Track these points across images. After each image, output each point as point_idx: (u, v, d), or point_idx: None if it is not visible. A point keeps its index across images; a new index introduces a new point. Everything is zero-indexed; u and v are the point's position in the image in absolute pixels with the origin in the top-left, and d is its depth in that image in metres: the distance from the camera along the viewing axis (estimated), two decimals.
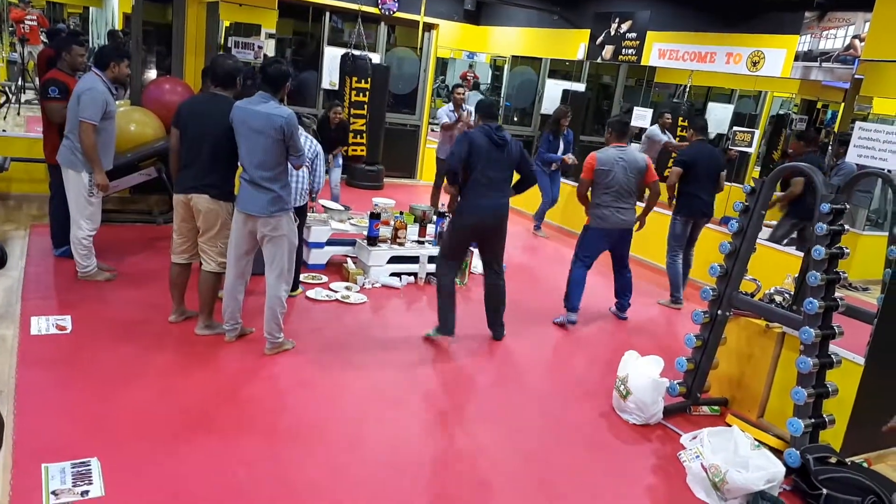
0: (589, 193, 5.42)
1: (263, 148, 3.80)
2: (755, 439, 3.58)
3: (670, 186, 6.06)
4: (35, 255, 5.30)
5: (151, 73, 9.71)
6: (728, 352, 4.35)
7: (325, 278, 5.70)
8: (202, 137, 3.99)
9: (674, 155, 8.96)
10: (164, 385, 3.67)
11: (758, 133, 8.42)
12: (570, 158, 8.14)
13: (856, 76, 6.08)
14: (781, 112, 10.93)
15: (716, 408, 4.33)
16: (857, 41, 6.20)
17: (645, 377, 3.95)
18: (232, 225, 4.03)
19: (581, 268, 5.43)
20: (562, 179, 8.62)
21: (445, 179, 4.62)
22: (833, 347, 3.70)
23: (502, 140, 4.53)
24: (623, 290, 5.72)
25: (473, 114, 5.00)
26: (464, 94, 7.80)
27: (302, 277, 5.62)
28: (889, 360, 3.82)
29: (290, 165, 3.98)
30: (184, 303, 4.43)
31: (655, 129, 8.76)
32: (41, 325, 4.13)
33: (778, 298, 4.25)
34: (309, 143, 4.91)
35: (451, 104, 7.82)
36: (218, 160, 4.02)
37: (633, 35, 8.44)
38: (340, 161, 7.91)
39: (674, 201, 6.17)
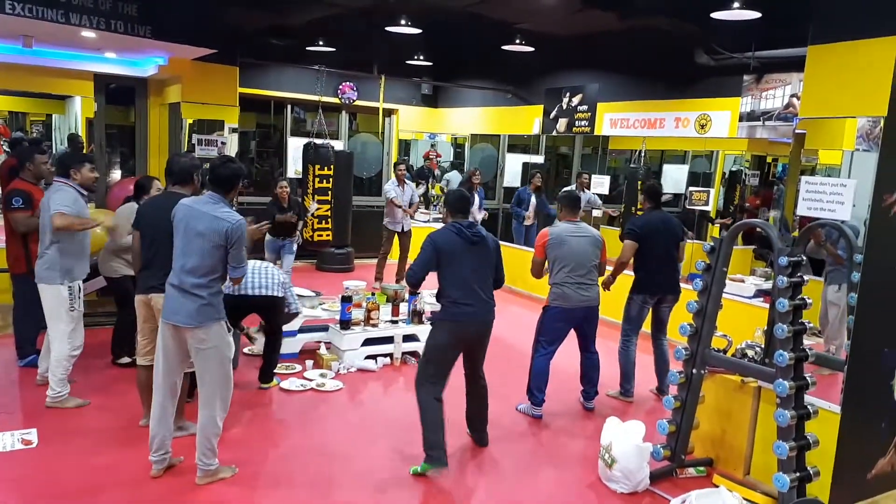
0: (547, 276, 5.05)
1: (200, 252, 3.47)
2: (744, 498, 3.55)
3: (623, 263, 5.33)
4: None
5: (116, 175, 9.77)
6: (707, 410, 4.36)
7: (298, 367, 5.63)
8: (160, 237, 3.87)
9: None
10: (133, 495, 3.54)
11: (713, 191, 8.69)
12: (482, 214, 9.18)
13: (797, 132, 6.37)
14: (734, 168, 11.33)
15: (702, 468, 4.29)
16: (794, 99, 6.54)
17: (628, 444, 3.92)
18: (158, 337, 3.67)
19: (543, 356, 4.93)
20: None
21: (410, 287, 4.21)
22: (808, 398, 3.73)
23: (476, 236, 4.02)
24: (588, 373, 5.15)
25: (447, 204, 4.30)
26: (404, 170, 8.80)
27: (277, 367, 5.55)
28: (864, 406, 3.86)
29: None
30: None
31: (572, 189, 9.12)
32: (6, 440, 3.98)
33: (750, 353, 4.30)
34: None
35: (394, 179, 8.73)
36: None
37: (585, 107, 8.78)
38: (294, 246, 7.73)
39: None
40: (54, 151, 13.19)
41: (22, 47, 6.19)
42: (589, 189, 9.31)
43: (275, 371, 5.29)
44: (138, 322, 4.14)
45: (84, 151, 8.46)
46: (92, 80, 7.97)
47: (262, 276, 4.99)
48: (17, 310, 5.11)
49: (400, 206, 8.53)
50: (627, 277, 5.42)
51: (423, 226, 9.96)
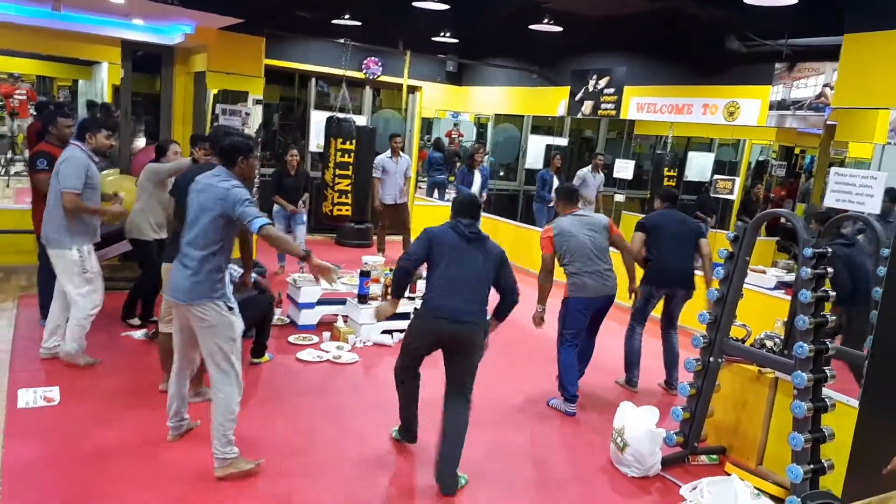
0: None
1: (203, 225, 3.38)
2: (755, 488, 3.54)
3: (633, 255, 5.20)
4: (23, 327, 5.26)
5: (140, 142, 9.84)
6: (723, 399, 4.34)
7: (315, 339, 5.68)
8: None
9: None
10: (152, 456, 3.61)
11: (738, 180, 8.58)
12: (484, 194, 9.14)
13: (828, 123, 6.25)
14: (761, 158, 11.17)
15: (714, 457, 4.28)
16: (827, 89, 6.41)
17: (641, 428, 3.92)
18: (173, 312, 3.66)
19: (569, 349, 4.85)
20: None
21: (392, 292, 3.93)
22: (826, 391, 3.70)
23: (473, 234, 3.73)
24: (582, 357, 5.07)
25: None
26: (400, 142, 8.80)
27: (293, 339, 5.60)
28: (883, 402, 3.82)
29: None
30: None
31: (587, 171, 9.26)
32: (28, 397, 4.07)
33: (769, 343, 4.26)
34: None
35: (389, 151, 8.71)
36: None
37: (612, 90, 8.68)
38: (304, 217, 7.72)
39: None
40: (78, 116, 13.32)
41: (51, 11, 6.21)
42: (603, 171, 9.41)
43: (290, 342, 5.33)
44: (164, 289, 4.11)
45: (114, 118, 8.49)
46: (119, 47, 7.99)
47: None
48: (42, 270, 5.18)
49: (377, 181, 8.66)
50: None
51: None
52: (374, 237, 9.98)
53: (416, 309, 3.91)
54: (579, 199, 5.27)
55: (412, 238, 9.25)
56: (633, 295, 5.27)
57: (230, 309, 3.48)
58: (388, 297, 3.85)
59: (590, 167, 9.45)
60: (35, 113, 11.31)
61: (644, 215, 5.62)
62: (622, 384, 5.43)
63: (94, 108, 10.20)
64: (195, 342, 3.52)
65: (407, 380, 3.90)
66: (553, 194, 8.65)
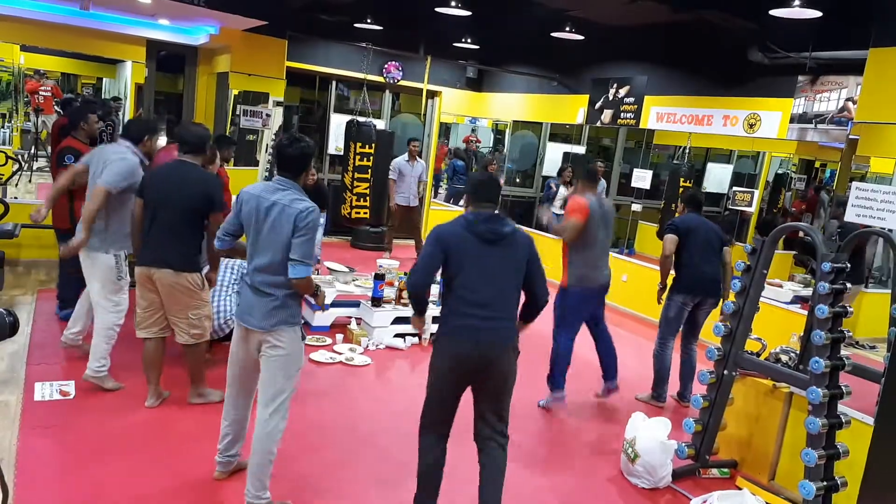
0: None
1: (272, 246, 3.05)
2: (767, 503, 3.50)
3: (667, 258, 5.04)
4: (41, 320, 5.33)
5: (162, 141, 9.94)
6: (736, 412, 4.30)
7: (329, 340, 5.70)
8: (164, 206, 3.80)
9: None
10: (162, 453, 3.64)
11: (757, 193, 8.52)
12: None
13: (851, 137, 6.19)
14: (780, 171, 11.07)
15: (725, 470, 4.25)
16: (850, 103, 6.35)
17: (653, 439, 3.90)
18: (232, 338, 3.30)
19: (568, 339, 4.77)
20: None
21: (413, 309, 3.36)
22: (841, 407, 3.66)
23: (494, 234, 3.06)
24: (605, 359, 5.06)
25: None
26: (418, 146, 9.06)
27: (306, 340, 5.63)
28: None
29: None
30: (159, 383, 4.13)
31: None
32: (45, 390, 4.12)
33: (784, 358, 4.23)
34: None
35: (406, 154, 8.98)
36: (181, 231, 3.82)
37: (632, 100, 8.65)
38: (322, 220, 7.84)
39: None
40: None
41: (79, 10, 6.32)
42: (603, 179, 9.55)
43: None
44: (136, 293, 3.99)
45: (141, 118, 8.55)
46: (144, 46, 8.10)
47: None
48: (64, 263, 5.17)
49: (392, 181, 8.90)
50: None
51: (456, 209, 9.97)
52: (393, 242, 10.05)
53: (432, 335, 3.30)
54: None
55: (421, 239, 9.44)
56: (660, 296, 5.15)
57: (302, 337, 3.29)
58: (417, 320, 3.37)
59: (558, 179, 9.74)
60: (59, 110, 11.48)
61: (671, 219, 5.36)
62: (645, 400, 5.23)
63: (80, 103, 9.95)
64: (257, 369, 3.21)
65: (430, 442, 3.16)
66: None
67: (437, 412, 3.15)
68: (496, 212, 3.15)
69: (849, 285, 3.69)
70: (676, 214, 5.46)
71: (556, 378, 4.85)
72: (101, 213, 4.09)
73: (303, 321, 3.35)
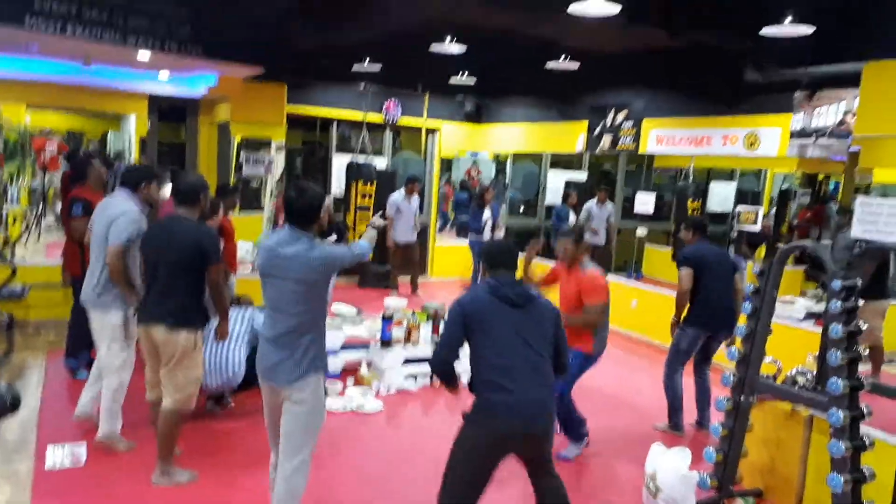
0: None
1: (293, 299, 3.09)
2: None
3: (684, 294, 4.98)
4: (52, 382, 5.31)
5: (167, 191, 10.03)
6: (756, 439, 4.21)
7: (340, 385, 5.63)
8: (158, 262, 3.75)
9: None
10: None
11: (762, 210, 8.48)
12: (499, 225, 9.46)
13: (852, 150, 6.17)
14: (784, 187, 11.05)
15: (750, 499, 4.14)
16: (848, 116, 6.34)
17: (673, 472, 3.82)
18: (263, 397, 3.33)
19: (569, 393, 4.54)
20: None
21: (444, 385, 3.21)
22: (864, 428, 3.58)
23: (520, 297, 2.99)
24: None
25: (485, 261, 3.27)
26: (418, 187, 9.14)
27: None
28: None
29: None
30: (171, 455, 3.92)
31: (592, 203, 9.75)
32: (56, 456, 4.02)
33: (801, 380, 4.15)
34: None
35: (403, 190, 9.03)
36: (175, 286, 3.73)
37: (630, 124, 8.68)
38: None
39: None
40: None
41: (82, 66, 6.42)
42: (607, 202, 9.78)
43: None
44: (144, 353, 3.94)
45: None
46: (146, 101, 8.22)
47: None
48: (74, 309, 5.05)
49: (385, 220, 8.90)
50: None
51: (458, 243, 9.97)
52: (398, 279, 10.05)
53: (465, 414, 3.03)
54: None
55: (419, 275, 9.47)
56: (674, 331, 5.10)
57: (325, 392, 3.28)
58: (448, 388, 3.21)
59: (594, 200, 9.75)
60: (67, 161, 11.62)
61: (683, 249, 5.29)
62: (664, 429, 5.15)
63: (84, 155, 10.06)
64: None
65: None
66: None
67: (465, 492, 2.97)
68: (517, 278, 3.09)
69: (866, 302, 3.63)
70: (684, 240, 5.40)
71: (577, 429, 4.64)
72: (106, 268, 4.07)
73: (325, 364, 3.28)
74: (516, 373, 2.88)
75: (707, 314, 4.98)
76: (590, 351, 4.46)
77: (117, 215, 4.09)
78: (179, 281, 3.74)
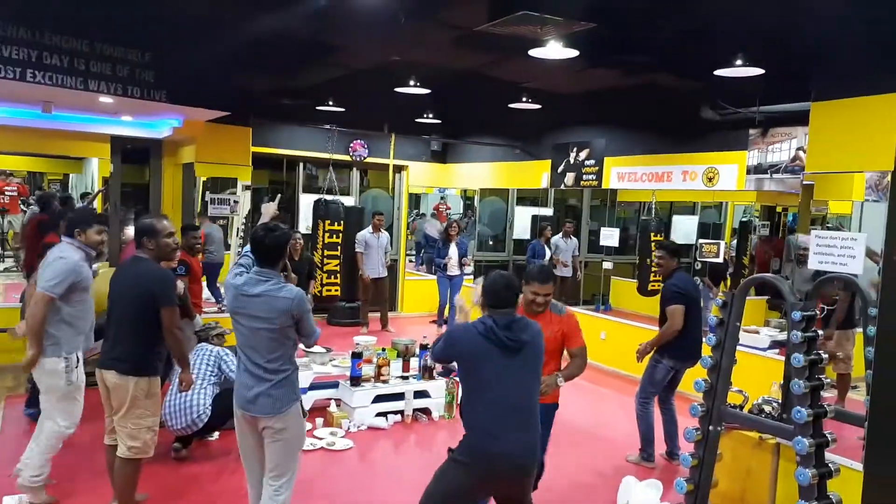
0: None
1: (266, 339, 3.15)
2: None
3: (675, 332, 4.95)
4: (8, 430, 5.14)
5: (130, 232, 9.88)
6: (726, 468, 4.26)
7: (309, 425, 5.56)
8: (113, 306, 3.69)
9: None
10: None
11: (723, 243, 8.69)
12: (467, 261, 9.57)
13: (805, 183, 6.39)
14: (744, 219, 11.33)
15: None
16: (801, 152, 6.59)
17: None
18: (237, 429, 3.35)
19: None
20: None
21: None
22: (830, 455, 3.65)
23: (514, 340, 2.91)
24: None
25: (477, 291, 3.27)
26: (382, 219, 9.28)
27: None
28: (888, 463, 3.77)
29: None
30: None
31: (559, 238, 10.00)
32: None
33: (767, 408, 4.23)
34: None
35: (371, 227, 9.24)
36: (126, 331, 3.64)
37: (592, 161, 8.88)
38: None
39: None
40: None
41: (41, 113, 6.37)
42: (574, 237, 10.06)
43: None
44: (101, 396, 3.79)
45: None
46: (108, 143, 8.15)
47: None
48: None
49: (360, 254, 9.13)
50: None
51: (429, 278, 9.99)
52: (368, 316, 10.01)
53: (450, 450, 3.00)
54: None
55: (387, 310, 9.46)
56: (640, 358, 5.12)
57: (304, 413, 3.33)
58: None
59: (561, 234, 9.99)
60: (36, 207, 11.37)
61: (672, 282, 5.08)
62: (636, 461, 5.18)
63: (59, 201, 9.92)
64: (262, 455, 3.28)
65: None
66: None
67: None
68: (516, 315, 3.01)
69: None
70: (666, 266, 5.20)
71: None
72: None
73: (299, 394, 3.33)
74: (504, 417, 2.86)
75: (688, 347, 5.03)
76: (557, 399, 4.05)
77: (51, 260, 3.95)
78: (129, 326, 3.63)
